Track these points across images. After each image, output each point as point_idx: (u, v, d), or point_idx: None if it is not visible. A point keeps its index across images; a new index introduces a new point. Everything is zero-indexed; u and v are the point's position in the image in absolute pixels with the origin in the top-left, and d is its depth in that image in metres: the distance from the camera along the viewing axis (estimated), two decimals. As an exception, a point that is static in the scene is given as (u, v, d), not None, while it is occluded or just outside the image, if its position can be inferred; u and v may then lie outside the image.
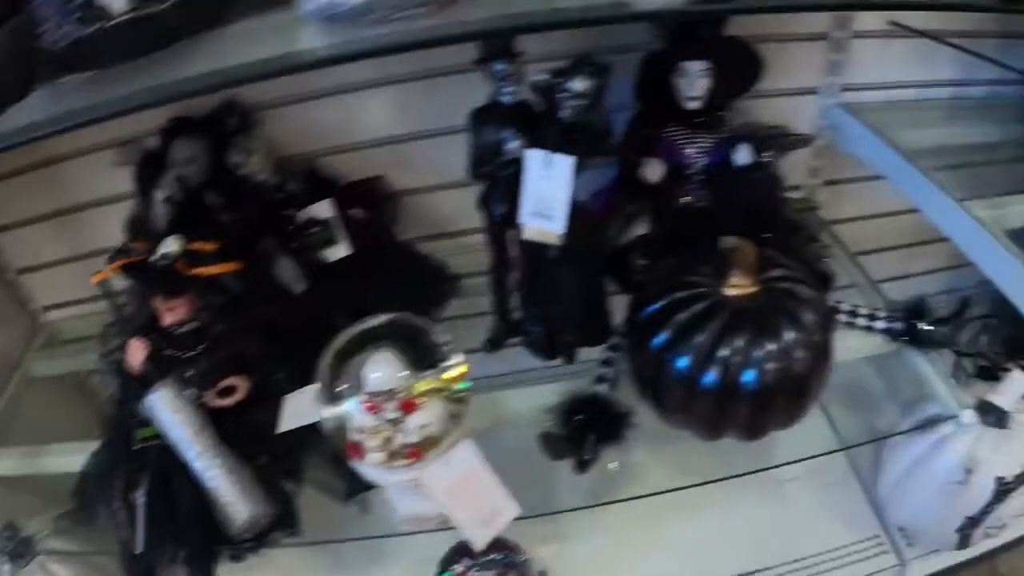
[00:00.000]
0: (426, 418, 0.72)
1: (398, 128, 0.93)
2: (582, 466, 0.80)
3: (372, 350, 0.72)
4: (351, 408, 0.72)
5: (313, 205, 0.89)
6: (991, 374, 1.07)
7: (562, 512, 0.95)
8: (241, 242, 0.86)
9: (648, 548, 0.99)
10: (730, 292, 0.77)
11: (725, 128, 0.87)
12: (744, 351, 0.74)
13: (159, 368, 0.82)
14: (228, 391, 0.84)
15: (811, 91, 0.99)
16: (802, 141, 0.95)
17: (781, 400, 0.77)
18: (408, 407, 0.72)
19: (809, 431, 1.08)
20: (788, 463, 1.00)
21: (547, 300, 0.83)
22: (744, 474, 0.98)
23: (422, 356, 0.73)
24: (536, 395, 0.87)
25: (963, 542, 0.98)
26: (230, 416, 0.83)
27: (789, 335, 0.75)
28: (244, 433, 0.83)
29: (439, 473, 0.72)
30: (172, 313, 0.82)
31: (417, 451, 0.72)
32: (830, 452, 0.99)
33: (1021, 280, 0.82)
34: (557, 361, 0.86)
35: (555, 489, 0.95)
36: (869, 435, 1.04)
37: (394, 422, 0.72)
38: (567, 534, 0.99)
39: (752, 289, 0.77)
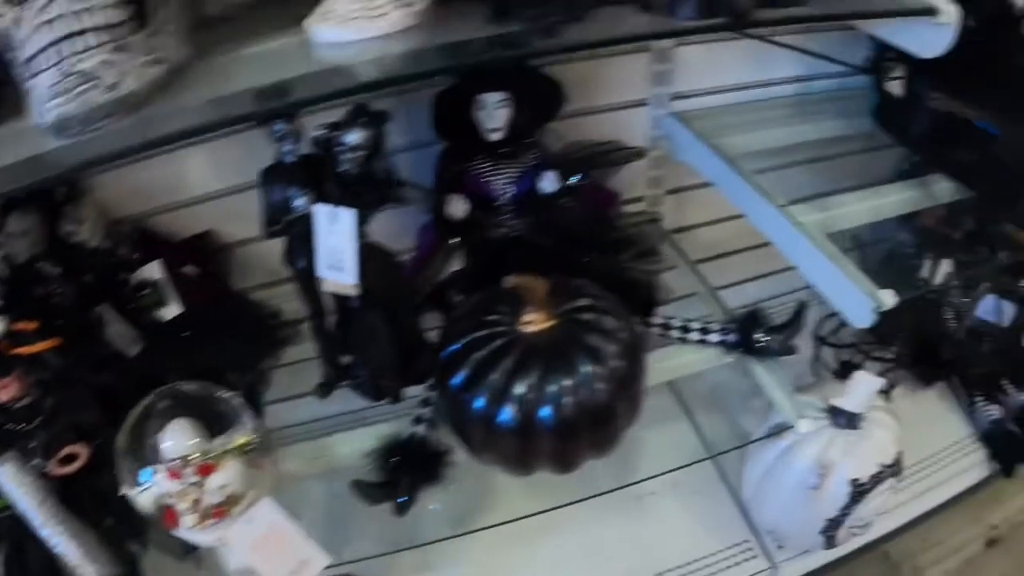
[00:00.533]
0: (225, 479, 0.74)
1: (221, 182, 0.94)
2: (399, 509, 0.81)
3: (166, 420, 0.74)
4: (155, 478, 0.74)
5: (143, 267, 0.91)
6: (850, 370, 1.05)
7: (425, 544, 0.96)
8: (76, 310, 0.89)
9: (515, 573, 1.00)
10: (525, 328, 0.77)
11: (532, 156, 0.87)
12: (538, 387, 0.74)
13: (1, 442, 0.85)
14: (69, 459, 0.86)
15: (641, 103, 0.98)
16: (633, 155, 0.95)
17: (585, 432, 0.77)
18: (205, 470, 0.74)
19: (674, 440, 1.09)
20: (651, 477, 1.00)
21: (361, 345, 0.84)
22: (606, 492, 0.99)
23: (214, 420, 0.75)
24: (375, 434, 0.88)
25: (829, 543, 0.97)
26: (74, 482, 0.86)
27: (586, 368, 0.75)
28: (89, 498, 0.86)
29: (242, 531, 0.74)
30: (5, 391, 0.85)
31: (221, 511, 0.74)
32: (689, 464, 0.98)
33: (838, 283, 0.81)
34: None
35: (420, 521, 0.97)
36: (736, 439, 1.04)
37: (197, 485, 0.74)
38: (434, 564, 1.00)
39: (549, 323, 0.77)
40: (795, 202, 0.87)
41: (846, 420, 0.92)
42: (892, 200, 0.92)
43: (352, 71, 0.63)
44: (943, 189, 0.96)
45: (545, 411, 0.74)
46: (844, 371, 1.09)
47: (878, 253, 1.17)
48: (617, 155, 0.94)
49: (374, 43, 0.63)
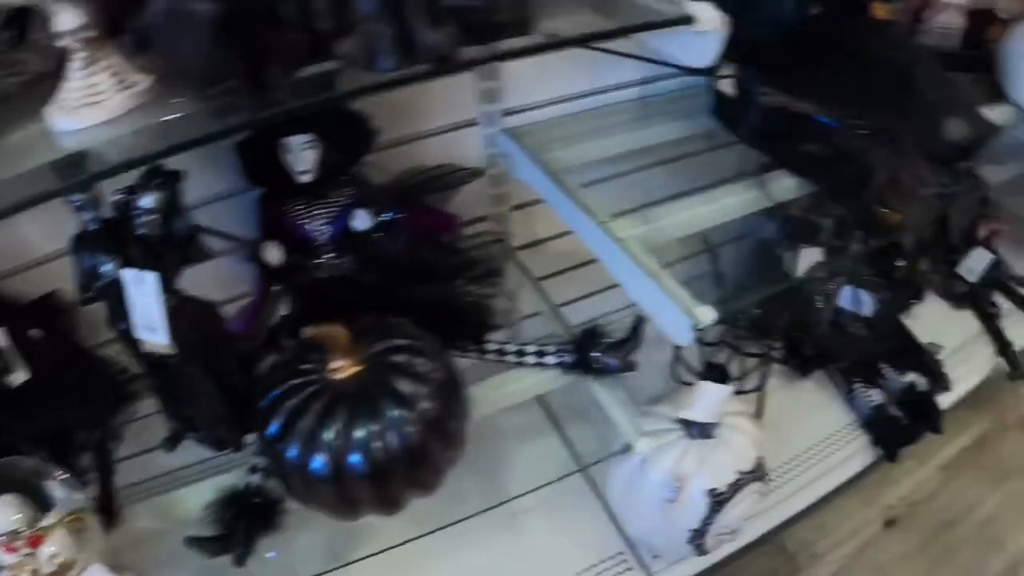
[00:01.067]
0: (55, 548, 0.76)
1: (60, 242, 0.94)
2: (238, 560, 0.82)
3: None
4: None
5: (-13, 335, 0.92)
6: (715, 372, 1.05)
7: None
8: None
9: None
10: (334, 375, 0.78)
11: (347, 193, 0.86)
12: (345, 433, 0.74)
13: None
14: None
15: (471, 123, 0.97)
16: (467, 176, 0.94)
17: (401, 475, 0.77)
18: (34, 542, 0.76)
19: (545, 454, 1.10)
20: (522, 494, 1.01)
21: (190, 400, 0.84)
22: (477, 514, 1.00)
23: (39, 494, 0.77)
24: (217, 485, 0.89)
25: (699, 551, 0.97)
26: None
27: (392, 412, 0.75)
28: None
29: (78, 597, 0.77)
30: None
31: (57, 578, 0.76)
32: (559, 479, 0.99)
33: (657, 300, 0.81)
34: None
35: (291, 556, 0.99)
36: (606, 450, 1.04)
37: (32, 556, 0.76)
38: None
39: (356, 369, 0.78)
40: (620, 215, 0.86)
41: (697, 431, 0.92)
42: (727, 203, 0.91)
43: (90, 157, 0.63)
44: (785, 186, 0.94)
45: (354, 457, 0.75)
46: (708, 373, 1.08)
47: (749, 245, 1.16)
48: (450, 178, 0.93)
49: (105, 127, 0.63)
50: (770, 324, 1.12)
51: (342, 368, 0.78)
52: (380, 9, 0.59)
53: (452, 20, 0.59)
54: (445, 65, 0.59)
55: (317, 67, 0.63)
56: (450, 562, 1.02)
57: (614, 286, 1.02)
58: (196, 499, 0.88)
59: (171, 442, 0.91)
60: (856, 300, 1.06)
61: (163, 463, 0.96)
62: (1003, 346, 1.33)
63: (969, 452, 1.33)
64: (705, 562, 1.01)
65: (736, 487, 0.93)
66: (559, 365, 0.90)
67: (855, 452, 1.15)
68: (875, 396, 1.17)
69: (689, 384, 1.07)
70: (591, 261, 1.08)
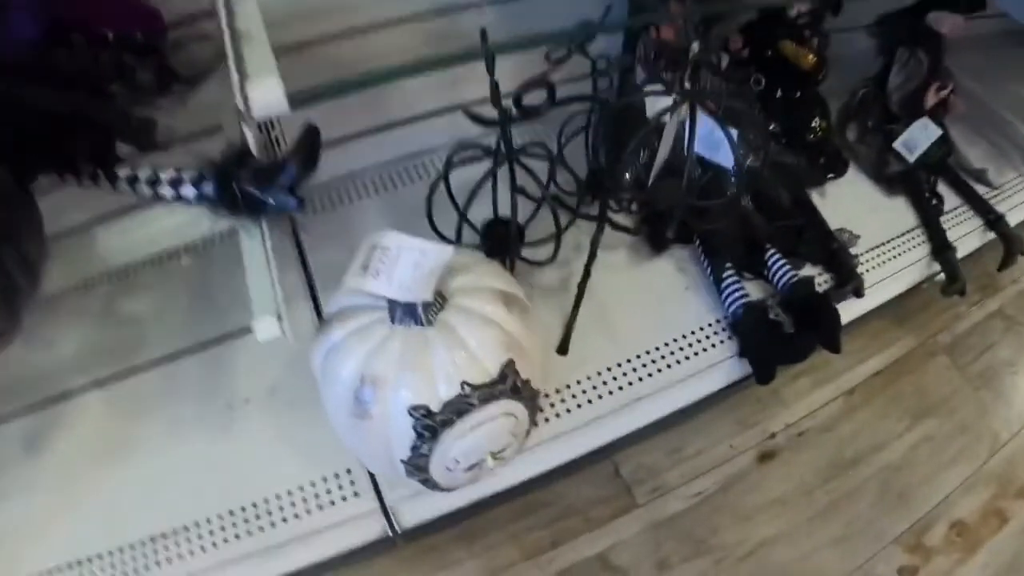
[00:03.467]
0: None
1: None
2: None
3: None
4: None
5: None
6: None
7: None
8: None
9: (90, 498, 0.75)
10: None
11: None
12: None
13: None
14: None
15: None
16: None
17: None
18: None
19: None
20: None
21: None
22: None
23: None
24: None
25: (431, 486, 0.68)
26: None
27: None
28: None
29: None
30: None
31: None
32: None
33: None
34: None
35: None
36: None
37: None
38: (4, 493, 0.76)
39: None
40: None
41: (403, 313, 0.60)
42: None
43: None
44: None
45: None
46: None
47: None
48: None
49: None
50: (614, 177, 0.82)
51: None
52: None
53: None
54: None
55: None
56: (160, 458, 0.75)
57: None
58: None
59: None
60: (721, 148, 0.75)
61: None
62: (940, 248, 1.02)
63: (883, 378, 1.04)
64: (471, 494, 0.75)
65: (460, 407, 0.60)
66: (200, 198, 0.60)
67: (719, 361, 0.88)
68: (750, 291, 0.88)
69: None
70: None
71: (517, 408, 0.64)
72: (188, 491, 0.74)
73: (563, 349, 0.85)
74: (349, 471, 0.74)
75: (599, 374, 0.83)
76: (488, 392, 0.61)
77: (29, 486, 0.75)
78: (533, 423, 0.71)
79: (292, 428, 0.76)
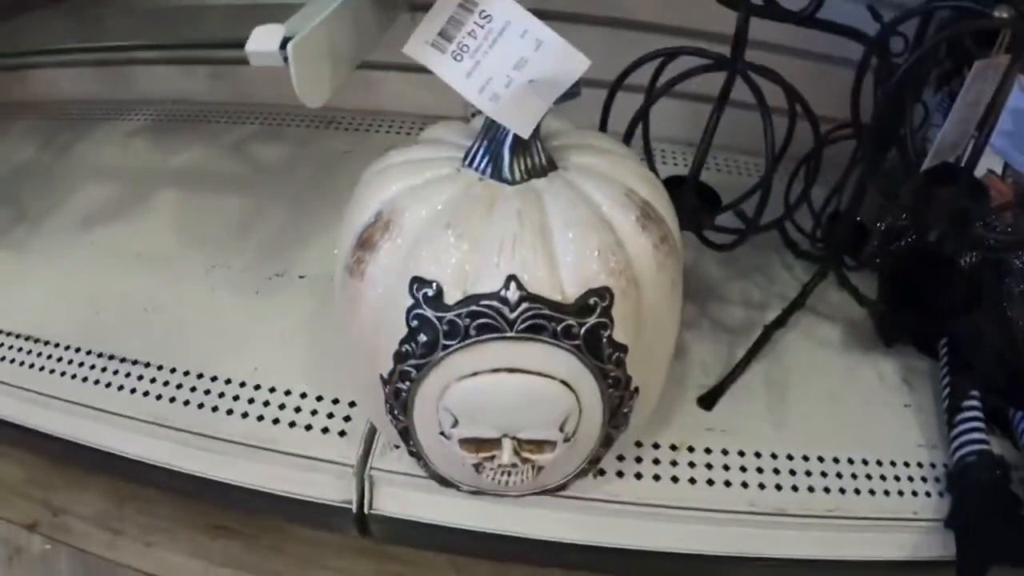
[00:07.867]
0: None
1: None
2: None
3: None
4: None
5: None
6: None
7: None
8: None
9: None
10: None
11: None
12: None
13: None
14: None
15: None
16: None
17: None
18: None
19: None
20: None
21: None
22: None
23: None
24: None
25: (424, 463, 0.44)
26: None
27: None
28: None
29: None
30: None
31: None
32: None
33: None
34: None
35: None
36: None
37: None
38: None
39: None
40: None
41: (483, 144, 0.40)
42: None
43: None
44: None
45: None
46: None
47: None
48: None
49: None
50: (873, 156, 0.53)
51: None
52: None
53: None
54: None
55: None
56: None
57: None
58: None
59: None
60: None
61: None
62: None
63: None
64: (469, 514, 0.49)
65: (487, 319, 0.36)
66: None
67: (915, 519, 0.51)
68: (984, 439, 0.51)
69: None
70: None
71: (587, 384, 0.39)
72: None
73: (709, 401, 0.57)
74: (352, 404, 0.54)
75: (741, 454, 0.53)
76: (546, 317, 0.37)
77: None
78: (604, 446, 0.45)
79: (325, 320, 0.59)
